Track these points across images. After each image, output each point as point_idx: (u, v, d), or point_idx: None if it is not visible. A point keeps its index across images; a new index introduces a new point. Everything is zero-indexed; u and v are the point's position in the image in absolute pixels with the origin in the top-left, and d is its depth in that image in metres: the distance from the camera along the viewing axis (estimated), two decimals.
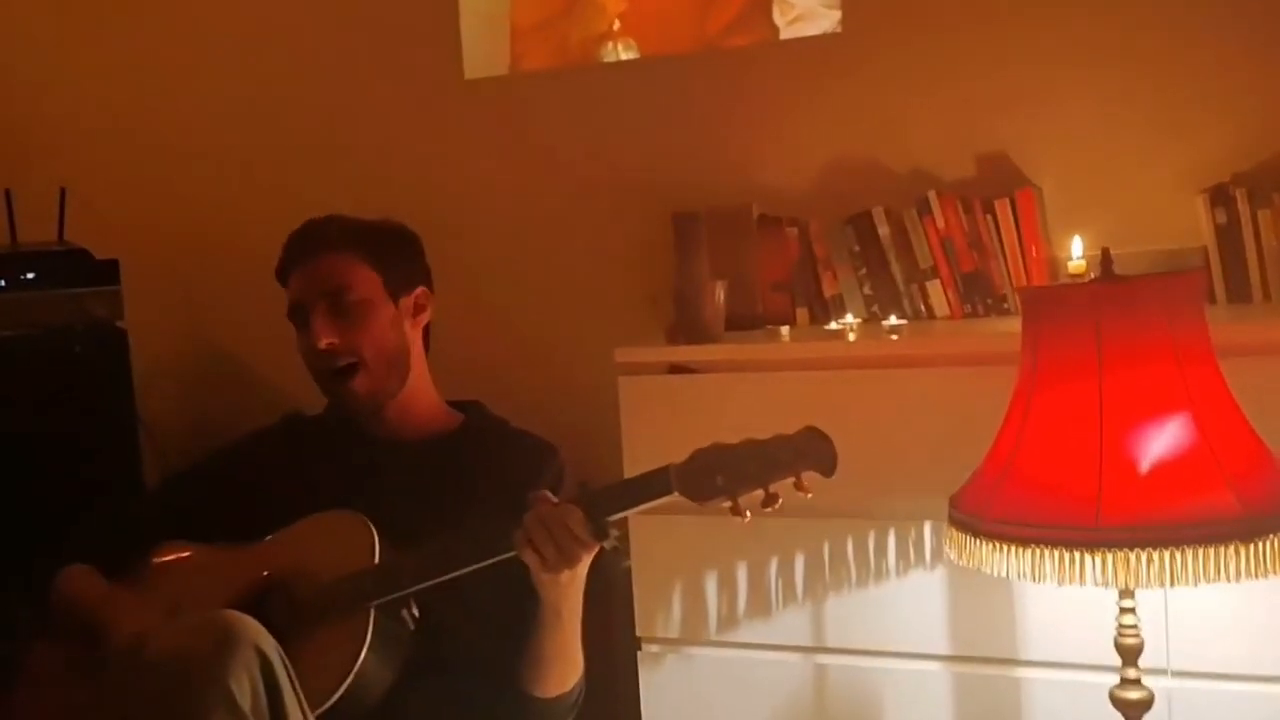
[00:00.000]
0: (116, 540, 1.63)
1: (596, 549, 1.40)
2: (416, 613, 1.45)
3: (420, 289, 1.70)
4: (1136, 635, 1.43)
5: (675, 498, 1.40)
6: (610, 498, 1.40)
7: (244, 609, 1.34)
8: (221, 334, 2.62)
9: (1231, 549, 1.27)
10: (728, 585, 1.92)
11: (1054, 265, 2.00)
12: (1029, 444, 1.40)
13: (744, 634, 1.90)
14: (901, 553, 1.82)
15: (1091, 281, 1.42)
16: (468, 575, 1.43)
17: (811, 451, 1.35)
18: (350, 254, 1.64)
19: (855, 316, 2.05)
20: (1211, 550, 1.27)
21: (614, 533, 1.41)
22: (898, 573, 1.82)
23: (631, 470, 1.65)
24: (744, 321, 2.08)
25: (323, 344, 1.59)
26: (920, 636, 1.80)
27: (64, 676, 1.49)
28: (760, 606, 1.90)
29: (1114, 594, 1.43)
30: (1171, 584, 1.28)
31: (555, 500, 1.40)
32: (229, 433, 1.83)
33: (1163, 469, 1.31)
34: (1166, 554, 1.27)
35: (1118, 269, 1.85)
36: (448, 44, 2.40)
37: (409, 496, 1.58)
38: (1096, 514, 1.30)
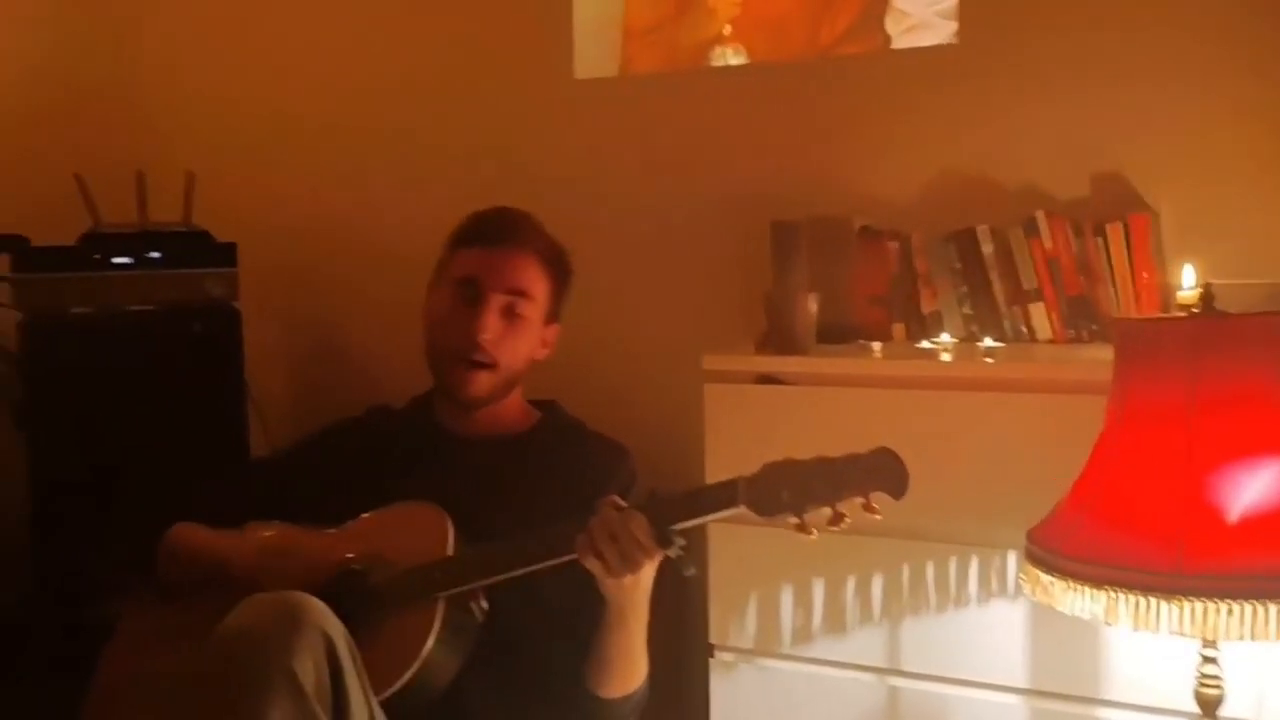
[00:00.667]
0: (213, 515, 1.69)
1: (660, 556, 1.40)
2: (485, 605, 1.48)
3: (557, 325, 1.74)
4: (1218, 686, 1.37)
5: (742, 510, 1.40)
6: (677, 507, 1.41)
7: (319, 592, 1.38)
8: (330, 319, 2.71)
9: None
10: (804, 599, 1.90)
11: (1166, 293, 1.92)
12: (1112, 481, 1.35)
13: (818, 649, 1.88)
14: (983, 581, 1.78)
15: (1190, 317, 1.36)
16: (541, 573, 1.46)
17: (881, 472, 1.33)
18: (541, 265, 1.68)
19: (953, 335, 2.00)
20: None
21: (679, 541, 1.41)
22: (978, 601, 1.78)
23: (713, 479, 1.65)
24: (839, 334, 2.06)
25: (486, 336, 1.62)
26: (998, 667, 1.75)
27: (151, 642, 1.56)
28: (835, 623, 1.88)
29: (1197, 642, 1.37)
30: (1252, 638, 1.22)
31: (623, 505, 1.41)
32: (332, 412, 1.90)
33: (1253, 518, 1.25)
34: (1249, 607, 1.21)
35: (1236, 301, 1.78)
36: (560, 44, 2.43)
37: (484, 492, 1.61)
38: (1178, 560, 1.25)
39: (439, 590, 1.44)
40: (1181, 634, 1.25)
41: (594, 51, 2.42)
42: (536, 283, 1.67)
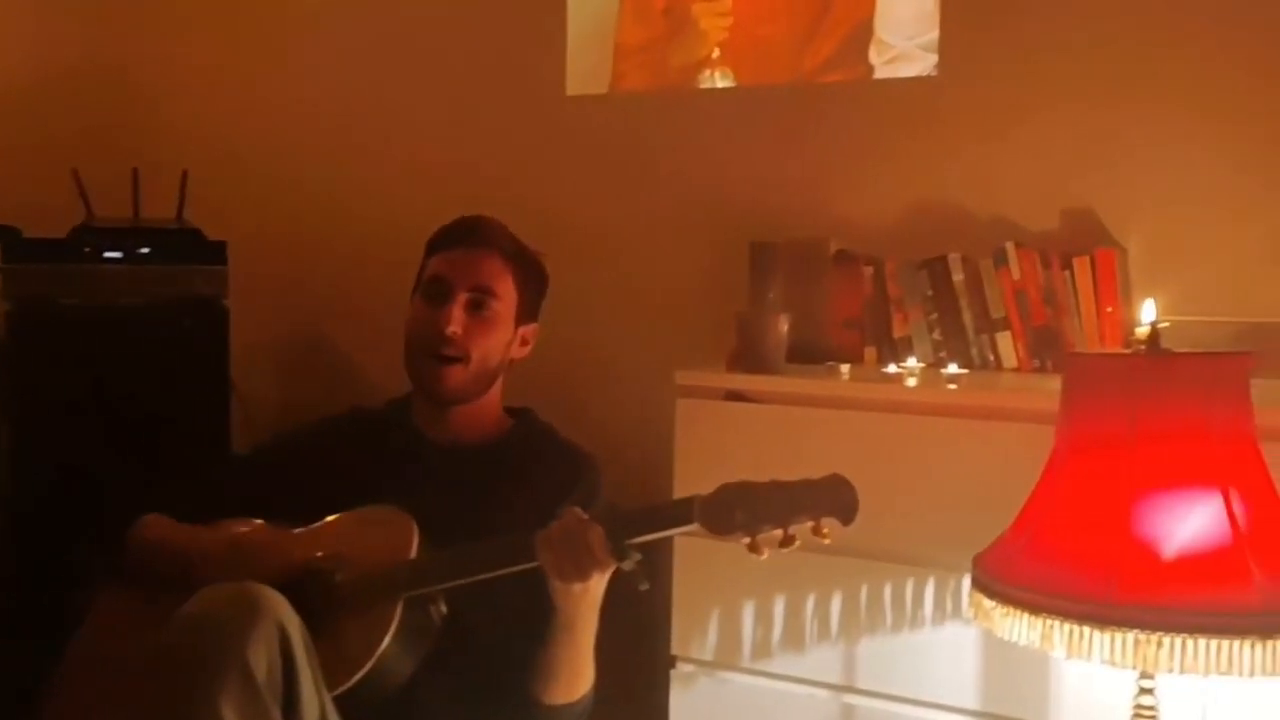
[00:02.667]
0: (188, 509, 1.73)
1: (613, 568, 1.44)
2: (445, 609, 1.52)
3: (535, 325, 1.78)
4: (1153, 716, 1.40)
5: (696, 528, 1.43)
6: (633, 521, 1.44)
7: (282, 588, 1.41)
8: (318, 319, 2.75)
9: (1248, 644, 1.23)
10: (765, 614, 1.93)
11: (1130, 327, 1.94)
12: (1055, 512, 1.38)
13: (777, 664, 1.91)
14: (939, 602, 1.81)
15: (1133, 354, 1.40)
16: (500, 579, 1.49)
17: (833, 499, 1.37)
18: (507, 264, 1.72)
19: (922, 360, 2.04)
20: (1226, 642, 1.24)
21: (634, 555, 1.44)
22: (933, 622, 1.81)
23: (681, 491, 1.69)
24: (812, 354, 2.09)
25: (451, 329, 1.66)
26: (950, 688, 1.78)
27: (117, 631, 1.59)
28: (795, 639, 1.91)
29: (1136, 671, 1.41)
30: (1181, 671, 1.25)
31: (584, 516, 1.45)
32: (316, 412, 1.93)
33: (1186, 552, 1.28)
34: (1179, 640, 1.25)
35: (1199, 339, 1.82)
36: (553, 59, 2.47)
37: (453, 497, 1.65)
38: (1112, 591, 1.28)
39: (399, 592, 1.48)
40: (1114, 664, 1.28)
41: (586, 67, 2.47)
42: (502, 280, 1.71)
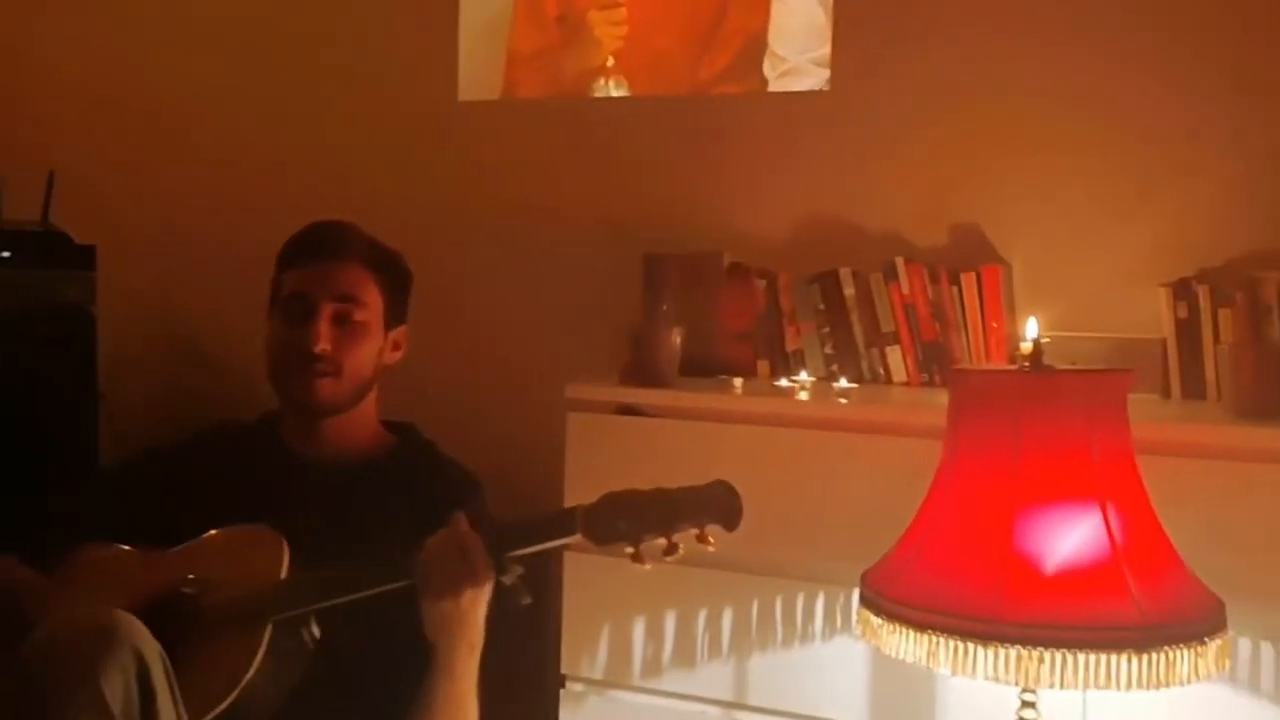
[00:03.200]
0: (43, 535, 1.63)
1: (491, 584, 1.40)
2: (317, 633, 1.45)
3: (404, 327, 1.72)
4: None
5: (579, 539, 1.40)
6: (513, 533, 1.40)
7: (145, 613, 1.34)
8: (190, 327, 2.65)
9: (1125, 657, 1.25)
10: (655, 631, 1.91)
11: (1015, 343, 1.98)
12: (941, 527, 1.39)
13: (668, 682, 1.89)
14: (829, 617, 1.81)
15: (1016, 371, 1.41)
16: (379, 601, 1.43)
17: (716, 505, 1.35)
18: (368, 271, 1.65)
19: (813, 374, 2.04)
20: (1105, 657, 1.25)
21: (515, 568, 1.40)
22: (823, 637, 1.81)
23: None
24: (705, 368, 2.08)
25: (320, 347, 1.59)
26: (841, 703, 1.78)
27: None
28: (686, 656, 1.89)
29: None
30: (1062, 686, 1.26)
31: (466, 525, 1.40)
32: (188, 423, 1.85)
33: (1067, 568, 1.29)
34: (1059, 655, 1.26)
35: (1080, 354, 1.86)
36: (445, 64, 2.42)
37: (330, 516, 1.58)
38: (995, 607, 1.29)
39: (267, 615, 1.41)
40: (997, 680, 1.29)
41: (478, 74, 2.42)
42: (366, 289, 1.64)
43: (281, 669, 1.42)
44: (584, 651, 1.95)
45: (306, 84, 2.56)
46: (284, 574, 1.46)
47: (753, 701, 1.85)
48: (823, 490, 1.80)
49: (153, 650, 1.27)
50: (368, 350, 1.64)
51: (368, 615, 1.44)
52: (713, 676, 1.86)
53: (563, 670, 1.96)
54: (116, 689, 1.21)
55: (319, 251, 1.65)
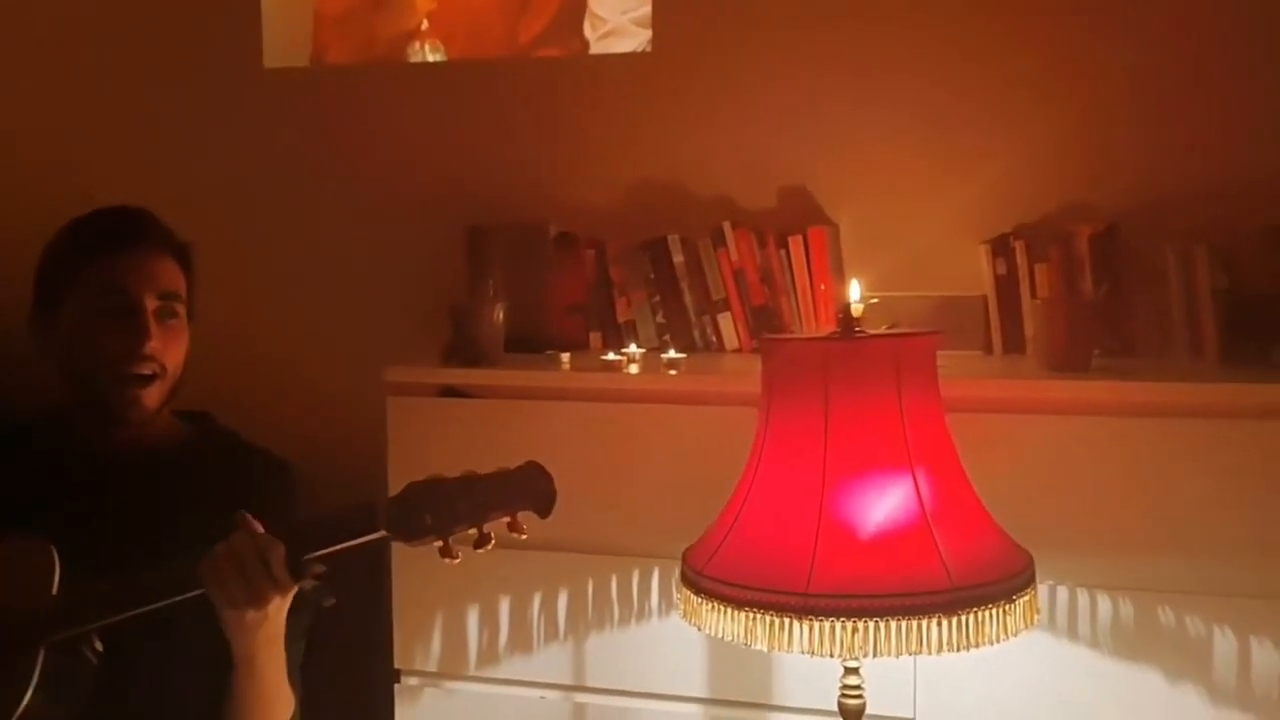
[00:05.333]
0: None
1: (293, 589, 1.31)
2: (100, 647, 1.34)
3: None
4: (859, 696, 1.40)
5: (385, 535, 1.32)
6: (311, 534, 1.31)
7: None
8: None
9: (934, 621, 1.24)
10: (490, 618, 1.86)
11: (843, 304, 1.96)
12: (755, 502, 1.35)
13: (504, 670, 1.85)
14: (664, 593, 1.78)
15: (824, 338, 1.38)
16: (173, 610, 1.33)
17: (527, 491, 1.28)
18: (176, 261, 1.54)
19: (646, 344, 2.00)
20: (915, 622, 1.24)
21: (318, 569, 1.31)
22: (659, 614, 1.79)
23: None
24: (534, 343, 2.01)
25: (151, 346, 1.47)
26: (679, 678, 1.76)
27: None
28: (522, 642, 1.84)
29: None
30: (875, 654, 1.25)
31: (258, 529, 1.30)
32: None
33: (879, 536, 1.28)
34: (870, 624, 1.24)
35: (906, 313, 1.85)
36: (249, 29, 2.27)
37: (120, 516, 1.46)
38: (808, 580, 1.26)
39: (39, 637, 1.29)
40: (812, 653, 1.26)
41: (284, 38, 2.28)
42: (178, 281, 1.54)
43: (61, 690, 1.30)
44: (417, 644, 1.88)
45: (91, 46, 2.36)
46: (55, 589, 1.34)
47: (592, 683, 1.81)
48: (653, 465, 1.77)
49: None
50: (183, 348, 1.53)
51: (163, 621, 1.33)
52: (551, 660, 1.83)
53: (396, 665, 1.89)
54: None
55: (137, 239, 1.51)
